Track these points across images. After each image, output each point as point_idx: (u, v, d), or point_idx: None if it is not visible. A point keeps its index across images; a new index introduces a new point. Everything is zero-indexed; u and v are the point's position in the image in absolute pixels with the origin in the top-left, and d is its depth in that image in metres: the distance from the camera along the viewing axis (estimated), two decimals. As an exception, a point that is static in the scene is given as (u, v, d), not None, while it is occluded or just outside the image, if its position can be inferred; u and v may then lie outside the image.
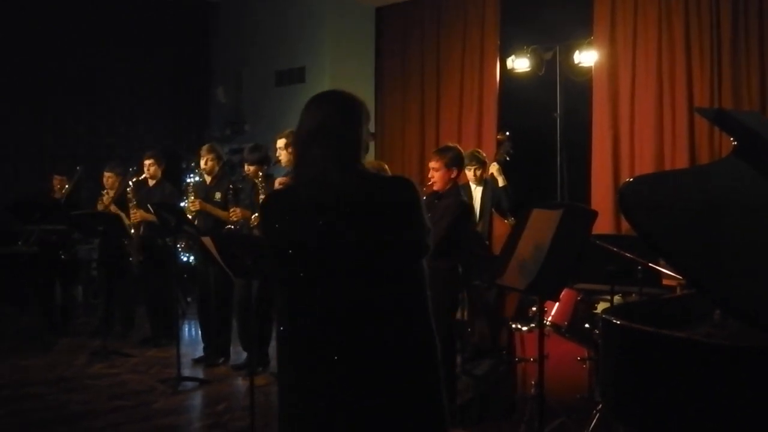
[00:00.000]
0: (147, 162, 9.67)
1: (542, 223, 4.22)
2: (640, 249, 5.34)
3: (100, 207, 9.85)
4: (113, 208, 9.70)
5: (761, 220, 3.86)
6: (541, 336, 4.63)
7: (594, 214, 4.30)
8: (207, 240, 6.44)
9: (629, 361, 3.66)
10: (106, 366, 8.74)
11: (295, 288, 3.21)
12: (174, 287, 9.74)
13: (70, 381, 8.16)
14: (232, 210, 8.38)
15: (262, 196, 7.80)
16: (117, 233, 9.29)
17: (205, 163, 8.87)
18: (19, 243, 10.22)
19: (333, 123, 3.24)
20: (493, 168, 8.58)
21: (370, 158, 7.60)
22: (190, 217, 8.50)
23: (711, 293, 3.59)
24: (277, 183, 7.57)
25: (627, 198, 3.71)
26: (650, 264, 5.37)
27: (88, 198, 10.65)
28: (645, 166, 9.77)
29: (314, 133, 3.22)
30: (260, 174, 8.16)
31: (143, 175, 9.67)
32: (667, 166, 9.63)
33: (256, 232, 7.80)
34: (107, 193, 9.95)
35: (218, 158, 8.94)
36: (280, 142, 8.04)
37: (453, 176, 6.57)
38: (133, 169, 9.84)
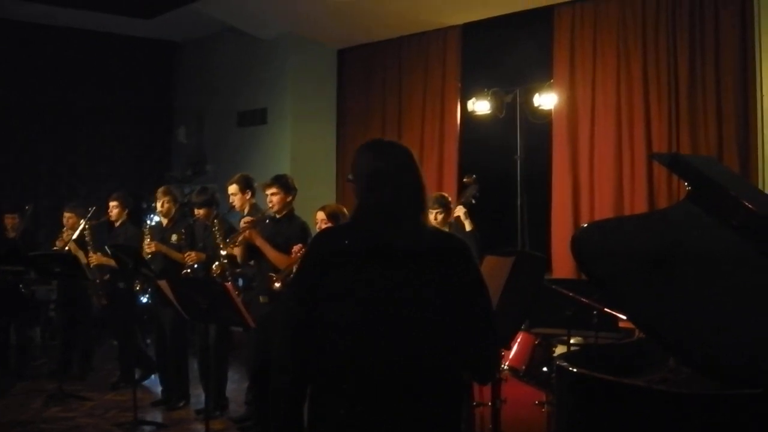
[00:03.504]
0: (111, 204, 9.55)
1: (494, 271, 4.22)
2: (596, 294, 5.36)
3: (59, 245, 9.72)
4: (72, 246, 9.58)
5: (712, 267, 3.88)
6: (496, 381, 4.62)
7: (546, 262, 4.31)
8: (163, 283, 6.40)
9: (583, 409, 3.65)
10: (62, 409, 8.59)
11: (338, 338, 3.07)
12: (135, 330, 9.66)
13: (25, 425, 8.02)
14: (187, 254, 8.32)
15: (218, 239, 7.78)
16: (74, 274, 9.16)
17: (162, 206, 8.79)
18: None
19: (401, 168, 3.19)
20: (460, 211, 8.38)
21: (330, 201, 7.58)
22: (146, 258, 8.45)
23: (663, 341, 3.60)
24: (242, 222, 7.52)
25: (580, 245, 3.72)
26: (606, 309, 5.38)
27: (46, 237, 10.52)
28: (604, 207, 9.85)
29: (380, 173, 3.16)
30: (213, 216, 8.13)
31: (103, 218, 9.59)
32: (626, 208, 9.71)
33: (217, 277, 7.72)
34: (66, 231, 9.82)
35: (174, 200, 8.87)
36: (232, 188, 7.98)
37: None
38: (92, 209, 9.73)
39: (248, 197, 7.95)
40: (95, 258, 9.36)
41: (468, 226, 8.29)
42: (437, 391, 3.07)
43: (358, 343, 3.04)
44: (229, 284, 6.08)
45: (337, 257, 3.12)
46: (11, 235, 10.57)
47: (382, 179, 3.16)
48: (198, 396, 8.77)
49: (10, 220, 10.73)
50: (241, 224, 7.51)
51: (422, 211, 3.21)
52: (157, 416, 8.39)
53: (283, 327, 3.21)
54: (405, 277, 3.04)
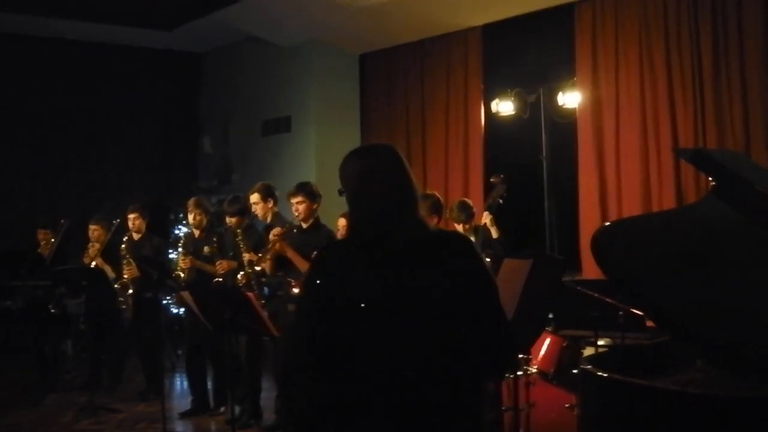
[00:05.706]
0: (131, 216, 9.54)
1: (513, 274, 4.18)
2: (620, 294, 5.28)
3: (86, 260, 9.73)
4: (99, 261, 9.59)
5: (735, 262, 3.81)
6: (515, 385, 4.56)
7: (564, 263, 4.25)
8: (186, 294, 6.39)
9: (609, 412, 3.60)
10: (93, 422, 8.58)
11: (349, 349, 2.99)
12: (162, 341, 9.66)
13: (57, 438, 8.07)
14: (218, 263, 8.32)
15: (242, 248, 7.78)
16: (101, 288, 9.17)
17: (194, 218, 8.79)
18: (16, 300, 10.17)
19: (388, 166, 3.14)
20: (486, 218, 8.28)
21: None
22: (181, 273, 8.47)
23: (686, 338, 3.54)
24: (272, 235, 7.50)
25: (599, 245, 3.67)
26: (631, 309, 5.31)
27: (75, 251, 10.52)
28: (632, 204, 9.78)
29: (368, 174, 3.12)
30: (239, 226, 8.12)
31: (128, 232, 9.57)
32: (654, 203, 9.64)
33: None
34: (93, 245, 9.81)
35: (205, 212, 8.85)
36: (254, 197, 7.97)
37: (435, 223, 6.47)
38: (117, 221, 9.72)
39: (270, 206, 7.95)
40: (133, 270, 9.30)
41: (495, 234, 8.17)
42: (454, 393, 3.00)
43: (367, 352, 2.97)
44: (252, 293, 6.04)
45: (338, 269, 3.07)
46: (44, 251, 10.57)
47: (370, 178, 3.11)
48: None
49: (43, 235, 10.72)
50: (271, 237, 7.50)
51: (416, 206, 3.14)
52: (188, 427, 8.40)
53: (296, 335, 3.17)
54: (408, 275, 2.97)
